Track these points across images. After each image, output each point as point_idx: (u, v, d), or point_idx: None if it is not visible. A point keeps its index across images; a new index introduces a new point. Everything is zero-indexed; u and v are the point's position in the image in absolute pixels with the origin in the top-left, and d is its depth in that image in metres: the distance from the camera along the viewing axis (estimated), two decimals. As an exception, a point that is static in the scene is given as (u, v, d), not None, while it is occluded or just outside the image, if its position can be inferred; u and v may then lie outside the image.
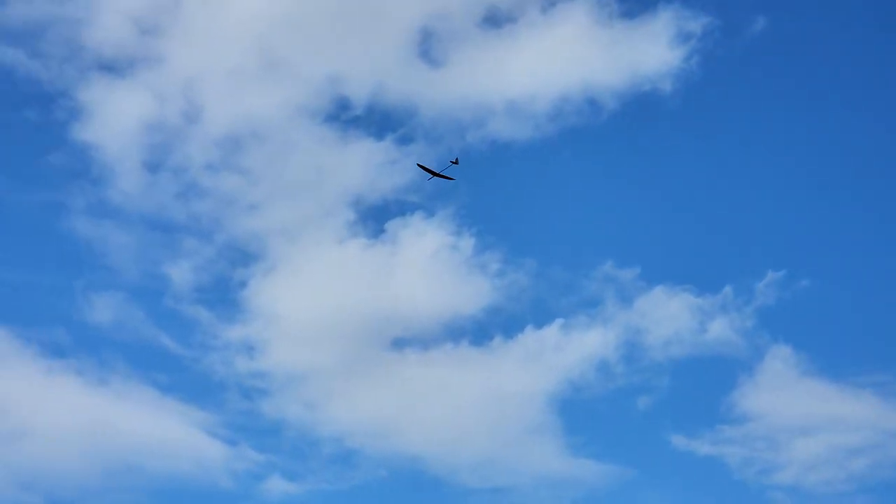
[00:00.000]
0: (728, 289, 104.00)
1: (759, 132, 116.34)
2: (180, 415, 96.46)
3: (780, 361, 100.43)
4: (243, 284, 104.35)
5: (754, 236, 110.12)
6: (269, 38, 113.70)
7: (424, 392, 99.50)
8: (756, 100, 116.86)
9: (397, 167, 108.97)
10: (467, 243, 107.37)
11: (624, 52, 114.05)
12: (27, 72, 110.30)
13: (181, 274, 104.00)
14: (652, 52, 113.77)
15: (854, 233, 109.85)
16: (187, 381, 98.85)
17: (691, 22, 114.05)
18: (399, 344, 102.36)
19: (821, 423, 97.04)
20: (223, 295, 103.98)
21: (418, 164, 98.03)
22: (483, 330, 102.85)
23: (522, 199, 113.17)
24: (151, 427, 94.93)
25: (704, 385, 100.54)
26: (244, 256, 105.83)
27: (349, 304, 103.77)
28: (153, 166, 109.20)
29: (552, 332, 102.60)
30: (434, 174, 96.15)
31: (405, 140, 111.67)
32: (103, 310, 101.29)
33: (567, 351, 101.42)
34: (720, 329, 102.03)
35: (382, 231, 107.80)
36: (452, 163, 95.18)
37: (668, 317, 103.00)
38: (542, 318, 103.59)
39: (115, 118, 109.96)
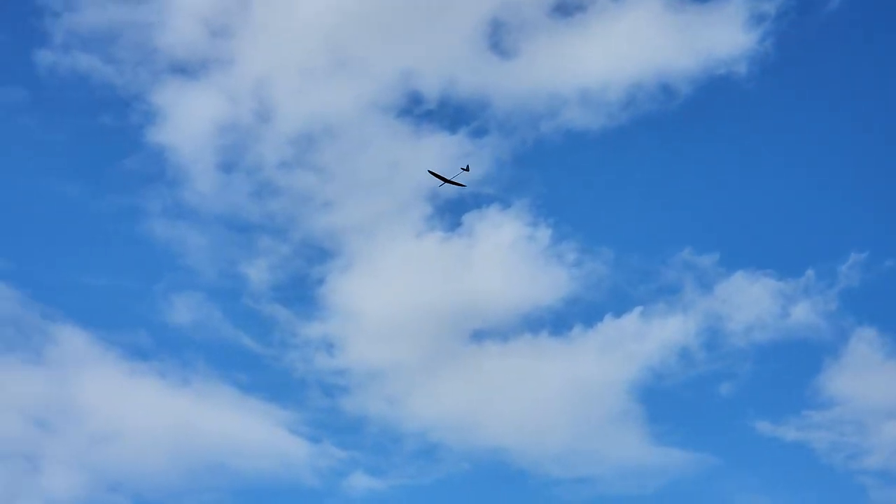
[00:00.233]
0: (810, 272, 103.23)
1: (838, 112, 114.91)
2: (262, 413, 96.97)
3: (865, 344, 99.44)
4: (320, 282, 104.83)
5: (836, 218, 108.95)
6: (338, 35, 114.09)
7: (505, 384, 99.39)
8: (833, 79, 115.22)
9: (471, 160, 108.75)
10: (544, 234, 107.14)
11: (697, 37, 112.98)
12: (102, 77, 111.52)
13: (258, 273, 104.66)
14: (725, 36, 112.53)
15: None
16: (268, 380, 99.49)
17: (765, 3, 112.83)
18: (478, 336, 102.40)
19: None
20: (301, 293, 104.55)
21: (429, 171, 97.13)
22: (562, 320, 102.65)
23: (598, 187, 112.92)
24: (234, 426, 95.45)
25: (788, 370, 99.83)
26: (320, 254, 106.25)
27: (427, 299, 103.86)
28: (227, 166, 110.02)
29: (631, 320, 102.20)
30: (445, 181, 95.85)
31: (479, 133, 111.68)
32: (183, 311, 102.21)
33: (647, 339, 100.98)
34: (803, 313, 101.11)
35: (459, 224, 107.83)
36: (463, 169, 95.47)
37: (750, 302, 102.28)
38: (621, 306, 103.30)
39: (188, 120, 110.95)
